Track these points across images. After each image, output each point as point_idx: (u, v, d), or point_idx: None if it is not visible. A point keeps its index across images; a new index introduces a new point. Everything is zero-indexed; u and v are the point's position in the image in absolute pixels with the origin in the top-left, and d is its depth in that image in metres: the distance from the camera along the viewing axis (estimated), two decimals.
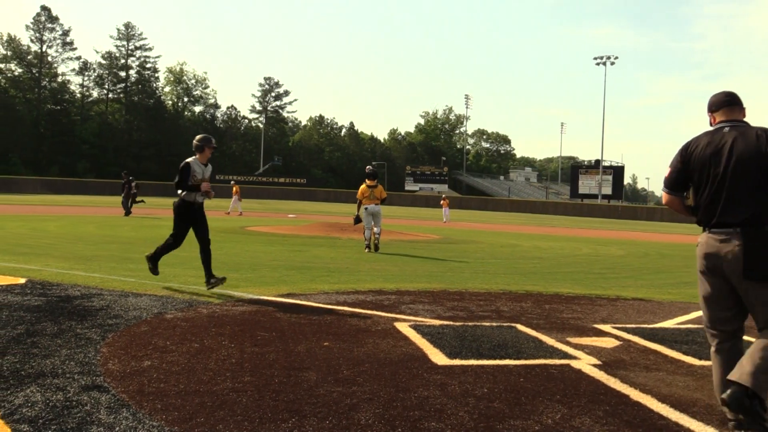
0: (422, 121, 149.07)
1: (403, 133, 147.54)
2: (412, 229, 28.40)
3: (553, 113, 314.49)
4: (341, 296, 8.68)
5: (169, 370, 4.85)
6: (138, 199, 31.92)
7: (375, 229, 16.11)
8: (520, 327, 7.06)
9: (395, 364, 5.27)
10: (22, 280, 8.85)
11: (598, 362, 5.59)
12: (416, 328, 6.73)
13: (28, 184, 70.77)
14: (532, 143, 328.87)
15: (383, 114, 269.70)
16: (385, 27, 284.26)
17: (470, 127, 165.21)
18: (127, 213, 28.95)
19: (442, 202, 44.33)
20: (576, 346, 6.18)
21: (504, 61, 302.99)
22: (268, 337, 6.06)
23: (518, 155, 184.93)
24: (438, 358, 5.51)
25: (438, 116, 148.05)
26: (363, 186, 16.25)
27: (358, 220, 16.54)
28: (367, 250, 16.00)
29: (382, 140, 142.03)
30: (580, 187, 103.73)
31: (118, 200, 47.27)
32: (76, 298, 7.68)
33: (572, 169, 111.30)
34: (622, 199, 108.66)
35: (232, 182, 39.61)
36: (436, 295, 9.21)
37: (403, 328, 6.71)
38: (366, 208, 16.10)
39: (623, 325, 7.43)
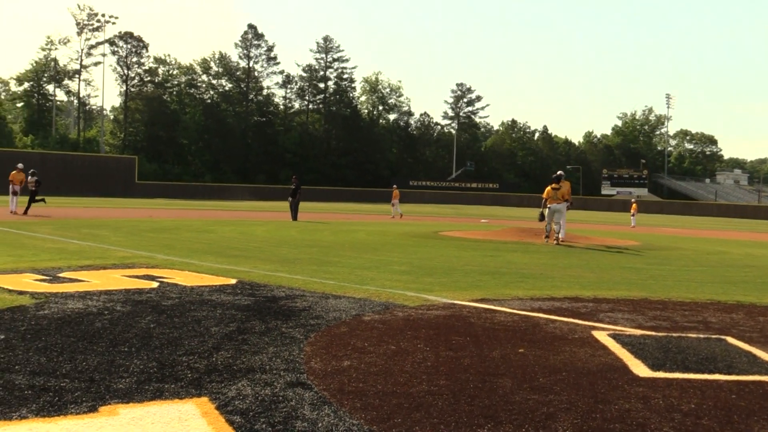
0: (619, 123, 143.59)
1: (599, 136, 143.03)
2: (608, 234, 27.41)
3: (766, 110, 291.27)
4: (536, 302, 8.53)
5: (368, 370, 4.99)
6: (38, 198, 28.68)
7: (555, 226, 19.19)
8: (731, 340, 6.58)
9: (594, 373, 5.10)
10: (233, 281, 9.49)
11: None
12: (615, 337, 6.48)
13: (237, 191, 76.30)
14: (741, 143, 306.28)
15: (578, 116, 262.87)
16: (578, 28, 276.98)
17: (672, 128, 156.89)
18: (294, 217, 29.41)
19: (632, 206, 41.72)
20: None
21: (708, 57, 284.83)
22: (462, 341, 6.08)
23: (726, 156, 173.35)
24: (639, 369, 5.26)
25: (636, 117, 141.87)
26: (548, 188, 19.56)
27: (542, 216, 20.13)
28: (546, 240, 19.45)
29: (576, 143, 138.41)
30: None
31: (317, 206, 49.62)
32: (281, 299, 8.12)
33: None
34: None
35: (394, 186, 40.65)
36: (636, 303, 8.81)
37: (602, 336, 6.48)
38: (550, 207, 19.34)
39: None
